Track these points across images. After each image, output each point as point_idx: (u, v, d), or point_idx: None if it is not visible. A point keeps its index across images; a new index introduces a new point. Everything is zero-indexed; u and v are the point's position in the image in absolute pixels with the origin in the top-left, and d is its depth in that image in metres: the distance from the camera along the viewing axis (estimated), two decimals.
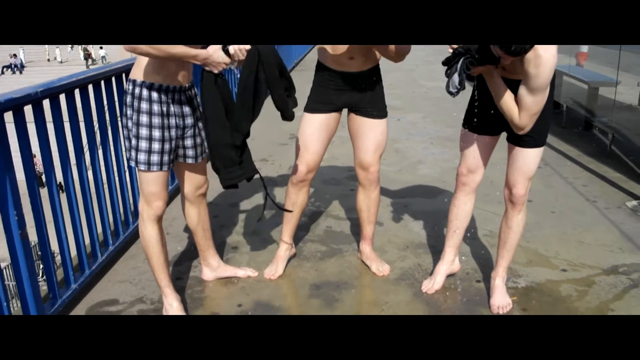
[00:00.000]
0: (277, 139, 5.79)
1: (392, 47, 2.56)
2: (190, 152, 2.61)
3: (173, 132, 2.47)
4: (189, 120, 2.54)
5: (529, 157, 2.55)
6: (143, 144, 2.40)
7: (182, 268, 3.16)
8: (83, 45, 32.07)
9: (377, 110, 2.82)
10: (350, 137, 2.93)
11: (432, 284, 2.90)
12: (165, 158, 2.45)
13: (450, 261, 2.95)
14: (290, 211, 2.93)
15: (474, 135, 2.65)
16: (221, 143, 2.48)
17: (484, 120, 2.59)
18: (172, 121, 2.46)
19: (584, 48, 7.02)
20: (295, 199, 2.94)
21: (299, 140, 2.86)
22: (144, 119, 2.38)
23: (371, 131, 2.83)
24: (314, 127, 2.81)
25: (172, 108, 2.44)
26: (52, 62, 32.44)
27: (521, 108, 2.33)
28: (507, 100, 2.37)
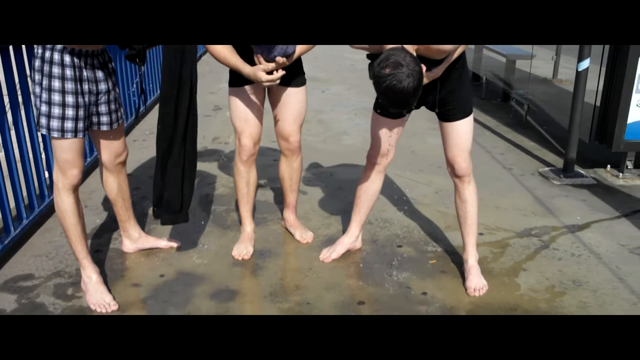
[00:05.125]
0: (200, 111, 5.68)
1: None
2: (104, 119, 2.52)
3: (87, 98, 2.38)
4: (103, 86, 2.45)
5: (461, 129, 2.56)
6: (56, 110, 2.30)
7: (101, 240, 3.08)
8: None
9: (294, 79, 2.79)
10: (270, 108, 2.91)
11: (331, 253, 2.92)
12: (80, 125, 2.37)
13: (355, 236, 2.97)
14: None
15: (384, 119, 2.64)
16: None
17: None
18: (85, 87, 2.36)
19: None
20: (247, 177, 2.90)
21: (235, 117, 2.80)
22: (56, 84, 2.28)
23: (289, 100, 2.81)
24: (244, 100, 2.76)
25: (84, 73, 2.35)
26: None
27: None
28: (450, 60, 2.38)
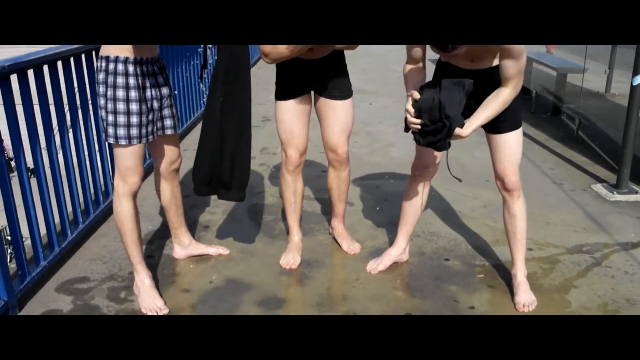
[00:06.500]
0: None
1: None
2: (168, 122, 2.60)
3: (150, 104, 2.46)
4: (165, 90, 2.54)
5: (511, 141, 2.52)
6: (121, 119, 2.38)
7: (153, 246, 3.16)
8: None
9: (340, 91, 2.83)
10: (318, 120, 2.95)
11: (377, 265, 2.92)
12: (144, 131, 2.45)
13: (402, 249, 2.96)
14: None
15: None
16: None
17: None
18: (148, 93, 2.45)
19: None
20: (294, 186, 2.95)
21: (281, 129, 2.85)
22: (120, 93, 2.36)
23: (335, 112, 2.84)
24: (290, 112, 2.81)
25: (147, 80, 2.43)
26: None
27: (510, 82, 2.27)
28: (496, 108, 2.32)
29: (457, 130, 2.28)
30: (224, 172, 2.71)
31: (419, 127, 2.31)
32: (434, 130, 2.28)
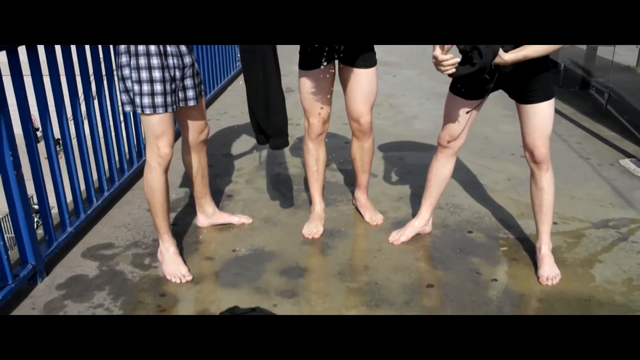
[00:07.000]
0: None
1: None
2: (190, 93, 2.57)
3: (172, 72, 2.45)
4: (187, 60, 2.51)
5: (543, 112, 2.48)
6: (145, 87, 2.38)
7: (177, 215, 3.19)
8: None
9: (364, 60, 2.78)
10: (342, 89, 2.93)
11: (400, 236, 2.91)
12: (169, 99, 2.43)
13: (425, 220, 2.95)
14: None
15: (460, 99, 2.57)
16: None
17: (471, 84, 2.48)
18: (171, 61, 2.43)
19: None
20: (317, 154, 2.96)
21: (304, 97, 2.84)
22: (142, 61, 2.35)
23: (359, 81, 2.80)
24: (313, 81, 2.79)
25: (168, 48, 2.42)
26: None
27: None
28: (544, 46, 2.24)
29: (500, 52, 2.19)
30: (261, 121, 2.69)
31: (452, 62, 2.21)
32: (470, 58, 2.19)
